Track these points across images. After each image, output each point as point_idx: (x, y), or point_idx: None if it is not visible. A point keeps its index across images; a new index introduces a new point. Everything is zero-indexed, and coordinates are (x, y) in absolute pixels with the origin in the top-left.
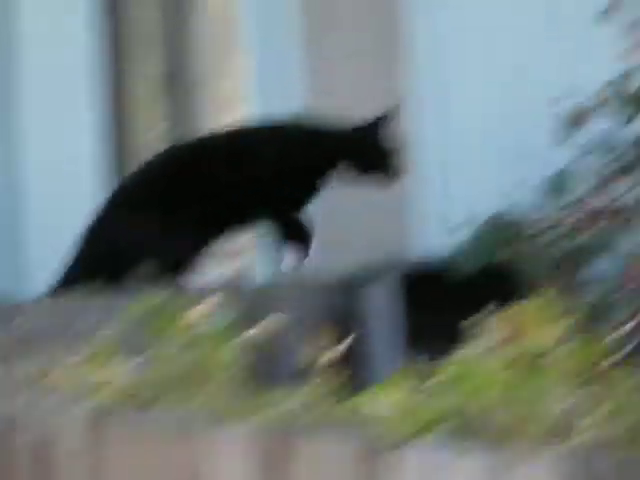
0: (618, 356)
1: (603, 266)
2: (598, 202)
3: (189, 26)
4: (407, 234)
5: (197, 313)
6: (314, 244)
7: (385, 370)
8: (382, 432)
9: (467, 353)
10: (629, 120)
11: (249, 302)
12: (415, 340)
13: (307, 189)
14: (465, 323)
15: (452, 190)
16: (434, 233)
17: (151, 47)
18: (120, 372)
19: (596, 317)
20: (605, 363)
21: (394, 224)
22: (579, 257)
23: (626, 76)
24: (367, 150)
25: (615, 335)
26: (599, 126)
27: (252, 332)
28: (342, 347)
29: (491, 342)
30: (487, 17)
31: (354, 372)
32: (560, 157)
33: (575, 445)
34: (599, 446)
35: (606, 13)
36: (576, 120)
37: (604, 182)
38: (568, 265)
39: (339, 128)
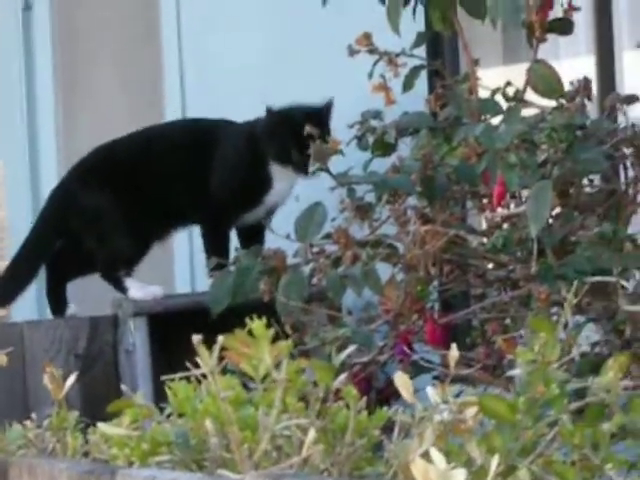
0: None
1: (365, 296)
2: (359, 232)
3: None
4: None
5: None
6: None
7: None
8: (109, 458)
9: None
10: (367, 163)
11: None
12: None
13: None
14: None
15: None
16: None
17: None
18: None
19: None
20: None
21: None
22: (340, 287)
23: (374, 115)
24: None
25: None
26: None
27: None
28: (71, 381)
29: (213, 370)
30: (248, 42)
31: (94, 404)
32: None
33: (278, 471)
34: (305, 472)
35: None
36: (318, 157)
37: (364, 212)
38: (329, 295)
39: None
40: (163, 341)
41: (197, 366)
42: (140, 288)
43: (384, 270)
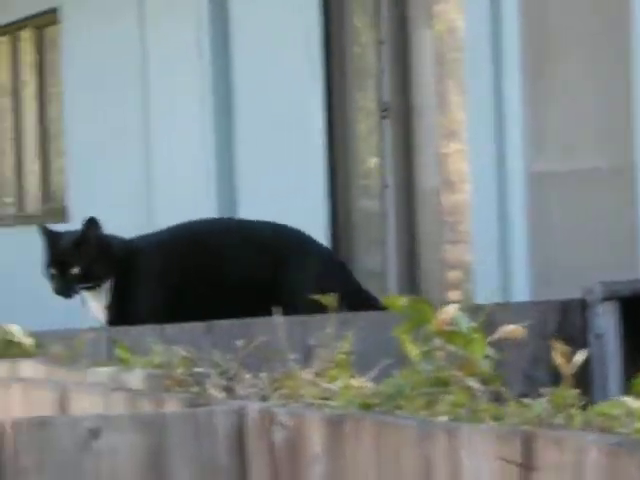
0: None
1: None
2: None
3: (408, 61)
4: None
5: (441, 319)
6: None
7: (607, 387)
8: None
9: None
10: None
11: (486, 314)
12: (629, 360)
13: None
14: None
15: None
16: None
17: (368, 80)
18: (358, 381)
19: None
20: None
21: (627, 246)
22: None
23: None
24: None
25: None
26: None
27: (496, 336)
28: (579, 360)
29: None
30: None
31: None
32: None
33: None
34: None
35: None
36: None
37: None
38: None
39: None
40: (633, 325)
41: None
42: None
43: None
